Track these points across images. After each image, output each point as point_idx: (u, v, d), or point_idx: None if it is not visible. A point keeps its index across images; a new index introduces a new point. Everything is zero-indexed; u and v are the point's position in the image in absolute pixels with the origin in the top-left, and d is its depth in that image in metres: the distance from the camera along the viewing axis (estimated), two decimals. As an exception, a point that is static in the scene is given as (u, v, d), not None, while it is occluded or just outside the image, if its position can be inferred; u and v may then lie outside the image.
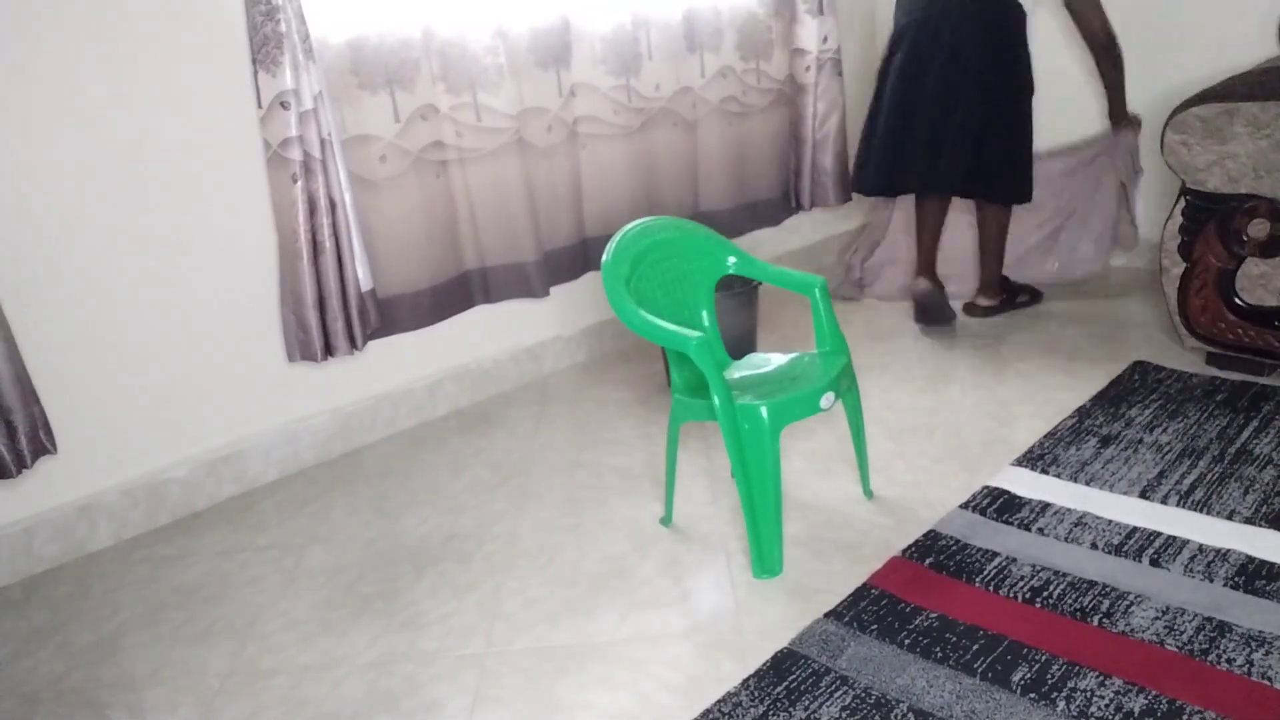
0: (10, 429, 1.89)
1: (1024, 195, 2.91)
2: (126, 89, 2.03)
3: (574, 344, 2.99)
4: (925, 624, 1.61)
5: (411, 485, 2.31)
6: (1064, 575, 1.69)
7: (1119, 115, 3.06)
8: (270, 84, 2.13)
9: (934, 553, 1.80)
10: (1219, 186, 2.34)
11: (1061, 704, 1.40)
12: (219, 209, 2.20)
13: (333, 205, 2.25)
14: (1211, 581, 1.63)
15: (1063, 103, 3.44)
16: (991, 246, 3.03)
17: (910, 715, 1.41)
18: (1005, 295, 3.08)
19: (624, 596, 1.79)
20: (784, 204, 3.49)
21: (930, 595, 1.68)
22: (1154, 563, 1.70)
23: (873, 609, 1.66)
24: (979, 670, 1.49)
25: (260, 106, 2.15)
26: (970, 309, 3.09)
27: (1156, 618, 1.56)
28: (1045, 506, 1.92)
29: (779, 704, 1.45)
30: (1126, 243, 3.23)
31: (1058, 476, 2.03)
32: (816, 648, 1.57)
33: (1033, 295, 3.13)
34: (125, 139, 2.04)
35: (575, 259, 2.86)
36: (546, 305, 2.88)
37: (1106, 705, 1.39)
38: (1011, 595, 1.65)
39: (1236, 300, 2.38)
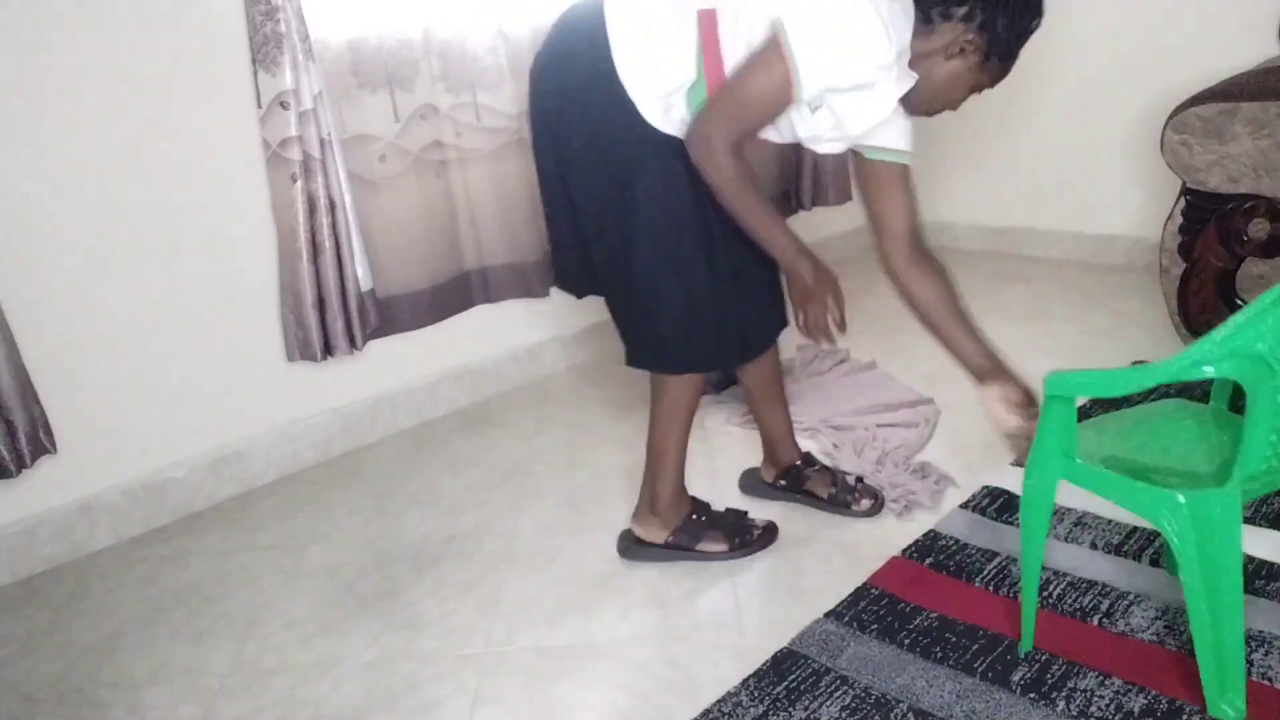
0: (10, 429, 1.89)
1: (636, 357, 1.75)
2: (126, 89, 2.03)
3: (574, 344, 2.99)
4: (925, 624, 1.60)
5: (411, 485, 2.31)
6: (1064, 575, 1.69)
7: (986, 370, 1.62)
8: (270, 84, 2.13)
9: (934, 553, 1.80)
10: (1219, 186, 2.34)
11: (1061, 704, 1.40)
12: (219, 209, 2.20)
13: (332, 205, 2.25)
14: (1211, 581, 1.63)
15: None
16: (653, 433, 1.84)
17: (910, 715, 1.41)
18: (680, 526, 1.87)
19: (624, 596, 1.79)
20: (784, 203, 3.49)
21: (930, 595, 1.68)
22: (1154, 563, 1.70)
23: (873, 609, 1.66)
24: (979, 670, 1.49)
25: (260, 106, 2.15)
26: (623, 540, 1.93)
27: (1156, 618, 1.56)
28: (1045, 506, 1.91)
29: (779, 704, 1.45)
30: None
31: (1058, 476, 2.03)
32: (816, 648, 1.57)
33: (763, 535, 1.90)
34: (125, 139, 2.04)
35: (575, 259, 2.86)
36: (546, 305, 2.88)
37: (1106, 705, 1.39)
38: (1012, 595, 1.65)
39: (1237, 300, 2.38)
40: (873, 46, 1.41)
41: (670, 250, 1.62)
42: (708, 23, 1.51)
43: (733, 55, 1.51)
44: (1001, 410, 1.58)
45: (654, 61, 1.53)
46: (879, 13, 1.40)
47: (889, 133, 1.60)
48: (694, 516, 1.89)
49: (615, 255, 1.64)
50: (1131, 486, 1.30)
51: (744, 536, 1.89)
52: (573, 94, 1.59)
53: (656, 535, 1.87)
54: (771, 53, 1.44)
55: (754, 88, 1.48)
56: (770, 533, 1.91)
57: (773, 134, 1.63)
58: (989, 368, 1.61)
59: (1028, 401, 1.57)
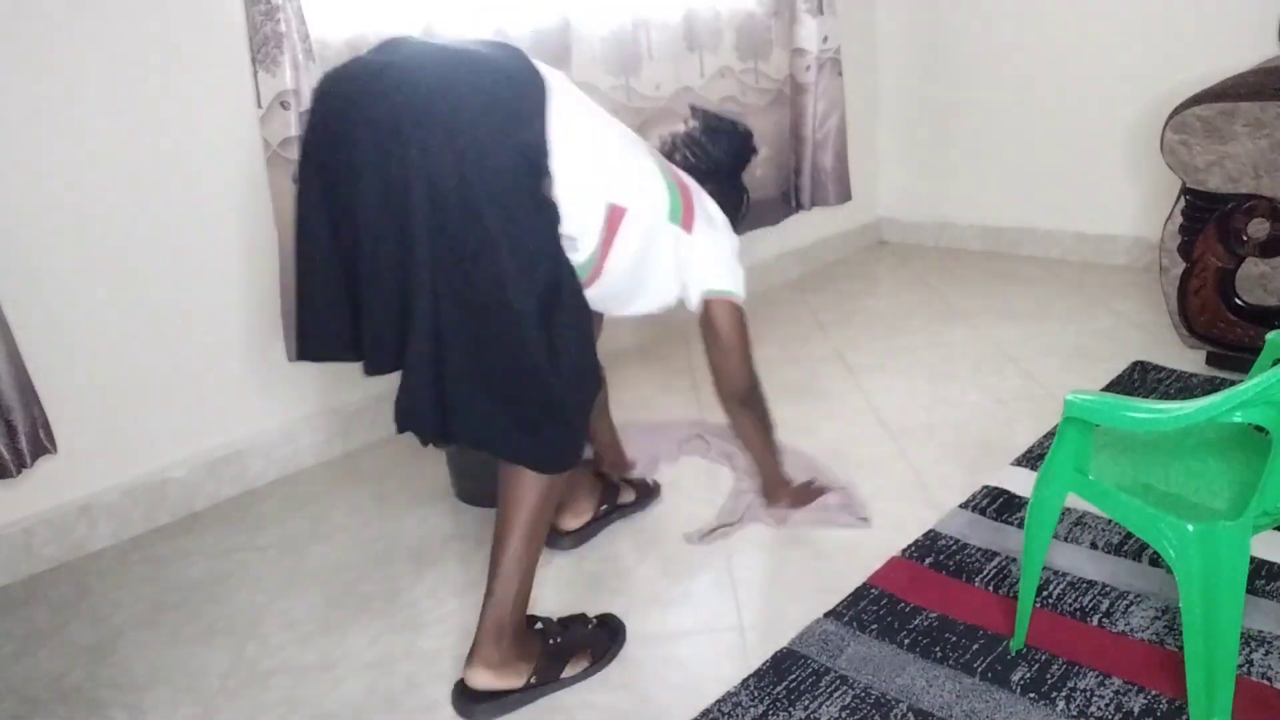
0: (10, 429, 1.89)
1: (540, 456, 1.47)
2: (126, 89, 2.03)
3: (574, 344, 2.99)
4: (925, 624, 1.61)
5: (411, 485, 2.31)
6: (1064, 575, 1.69)
7: (775, 489, 2.00)
8: (270, 84, 2.13)
9: (934, 553, 1.80)
10: (1219, 186, 2.34)
11: (1061, 704, 1.40)
12: (219, 209, 2.20)
13: (333, 205, 2.24)
14: (1211, 581, 1.63)
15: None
16: (504, 556, 1.51)
17: (910, 715, 1.41)
18: (541, 655, 1.54)
19: (623, 597, 1.79)
20: (783, 203, 3.49)
21: (930, 595, 1.68)
22: (1154, 562, 1.70)
23: (873, 609, 1.66)
24: (979, 670, 1.49)
25: (260, 106, 2.15)
26: (460, 695, 1.52)
27: (1156, 618, 1.56)
28: (1045, 506, 1.91)
29: (779, 704, 1.45)
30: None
31: (1058, 476, 2.03)
32: (816, 647, 1.57)
33: (596, 656, 1.59)
34: (125, 138, 2.04)
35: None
36: (546, 305, 2.87)
37: (1106, 705, 1.39)
38: (1011, 595, 1.65)
39: (1236, 300, 2.38)
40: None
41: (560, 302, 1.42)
42: (615, 217, 1.51)
43: (623, 256, 1.55)
44: (781, 513, 1.99)
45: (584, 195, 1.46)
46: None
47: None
48: (549, 641, 1.56)
49: (506, 330, 1.37)
50: (1139, 509, 1.29)
51: (599, 640, 1.62)
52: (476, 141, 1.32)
53: (518, 678, 1.51)
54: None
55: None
56: (617, 628, 1.66)
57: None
58: (775, 484, 2.01)
59: (799, 497, 2.01)
